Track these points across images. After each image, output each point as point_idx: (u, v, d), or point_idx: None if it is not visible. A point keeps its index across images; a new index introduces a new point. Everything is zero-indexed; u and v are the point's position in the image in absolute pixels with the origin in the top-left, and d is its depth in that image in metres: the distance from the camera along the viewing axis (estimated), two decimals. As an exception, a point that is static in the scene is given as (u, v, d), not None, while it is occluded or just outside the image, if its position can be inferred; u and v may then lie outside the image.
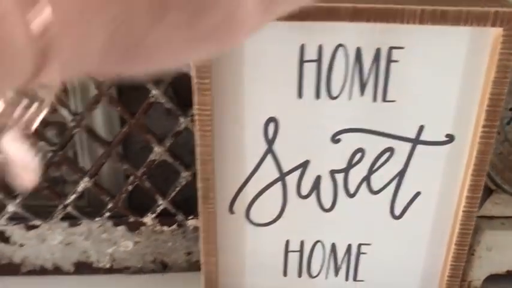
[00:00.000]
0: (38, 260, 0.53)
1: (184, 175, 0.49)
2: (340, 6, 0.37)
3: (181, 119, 0.47)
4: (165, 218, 0.52)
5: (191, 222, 0.52)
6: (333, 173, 0.44)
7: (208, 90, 0.40)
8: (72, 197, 0.49)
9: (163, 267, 0.55)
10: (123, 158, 0.49)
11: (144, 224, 0.52)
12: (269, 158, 0.44)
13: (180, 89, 0.47)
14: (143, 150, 0.52)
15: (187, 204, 0.51)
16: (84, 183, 0.48)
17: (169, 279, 0.55)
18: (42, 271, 0.54)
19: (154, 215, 0.51)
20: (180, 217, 0.52)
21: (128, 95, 0.48)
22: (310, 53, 0.39)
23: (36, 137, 0.46)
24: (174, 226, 0.52)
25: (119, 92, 0.48)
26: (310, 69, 0.40)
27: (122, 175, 0.54)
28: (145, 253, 0.54)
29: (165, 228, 0.52)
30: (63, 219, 0.51)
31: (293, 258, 0.48)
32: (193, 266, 0.55)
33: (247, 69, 0.40)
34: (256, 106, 0.42)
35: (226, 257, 0.48)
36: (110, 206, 0.50)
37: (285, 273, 0.49)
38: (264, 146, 0.43)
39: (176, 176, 0.50)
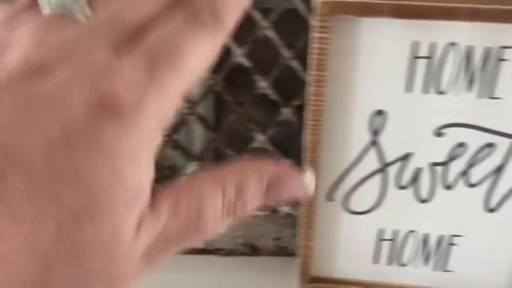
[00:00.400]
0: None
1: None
2: (460, 6, 0.39)
3: (285, 110, 0.50)
4: (260, 203, 0.55)
5: (284, 209, 0.55)
6: (433, 165, 0.46)
7: (324, 82, 0.43)
8: (178, 179, 0.53)
9: (252, 250, 0.58)
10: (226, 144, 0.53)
11: (240, 208, 0.55)
12: (373, 149, 0.46)
13: (283, 81, 0.50)
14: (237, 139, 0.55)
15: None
16: (192, 167, 0.52)
17: (259, 262, 0.58)
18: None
19: (250, 200, 0.54)
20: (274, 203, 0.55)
21: (233, 85, 0.51)
22: (422, 50, 0.42)
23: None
24: (268, 212, 0.55)
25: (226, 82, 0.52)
26: (420, 64, 0.42)
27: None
28: (236, 236, 0.57)
29: (259, 213, 0.55)
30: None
31: (385, 246, 0.51)
32: (281, 251, 0.58)
33: (361, 62, 0.43)
34: (366, 98, 0.44)
35: (321, 243, 0.51)
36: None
37: (375, 261, 0.52)
38: (369, 137, 0.46)
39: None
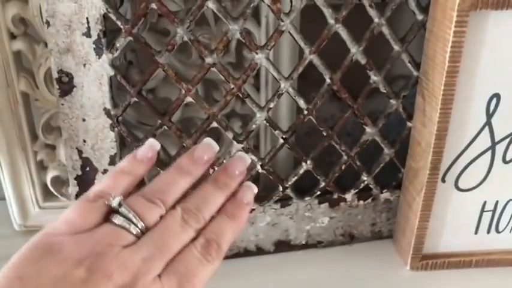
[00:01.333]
0: (242, 242, 0.57)
1: (388, 152, 0.55)
2: None
3: (393, 102, 0.53)
4: (363, 193, 0.57)
5: (384, 196, 0.58)
6: (536, 139, 0.52)
7: (457, 72, 0.46)
8: (293, 179, 0.54)
9: (350, 239, 0.60)
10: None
11: (344, 200, 0.57)
12: (486, 130, 0.51)
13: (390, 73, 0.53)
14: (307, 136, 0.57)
15: (384, 179, 0.57)
16: (306, 167, 0.53)
17: (356, 249, 0.61)
18: (245, 253, 0.58)
19: (355, 191, 0.57)
20: (375, 191, 0.58)
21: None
22: (539, 37, 0.47)
23: (225, 127, 0.50)
24: (369, 200, 0.58)
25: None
26: (536, 50, 0.47)
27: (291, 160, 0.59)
28: (337, 227, 0.59)
29: (361, 202, 0.58)
30: (276, 201, 0.55)
31: (486, 217, 0.56)
32: (376, 235, 0.61)
33: (485, 52, 0.47)
34: (484, 84, 0.48)
35: (433, 222, 0.54)
36: (321, 185, 0.55)
37: (476, 231, 0.57)
38: (483, 119, 0.50)
39: (377, 153, 0.56)
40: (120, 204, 0.32)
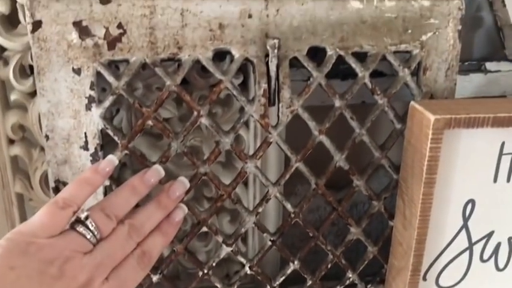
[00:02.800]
0: None
1: (372, 250, 0.58)
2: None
3: (375, 203, 0.56)
4: (348, 288, 0.59)
5: (369, 290, 0.60)
6: (510, 239, 0.54)
7: (434, 183, 0.49)
8: (281, 279, 0.55)
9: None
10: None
11: (330, 296, 0.59)
12: (463, 232, 0.53)
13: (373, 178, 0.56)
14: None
15: (368, 274, 0.59)
16: (293, 267, 0.55)
17: None
18: None
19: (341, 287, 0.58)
20: (359, 287, 0.59)
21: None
22: (508, 148, 0.50)
23: (215, 232, 0.52)
24: (354, 295, 0.60)
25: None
26: (506, 160, 0.51)
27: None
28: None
29: (347, 297, 0.59)
30: None
31: (467, 313, 0.58)
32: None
33: (459, 163, 0.50)
34: (460, 191, 0.52)
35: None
36: (308, 284, 0.57)
37: (458, 327, 0.58)
38: (460, 223, 0.53)
39: (361, 248, 0.58)
40: (86, 218, 0.40)
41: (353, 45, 0.51)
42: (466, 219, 0.53)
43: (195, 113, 0.48)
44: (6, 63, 0.51)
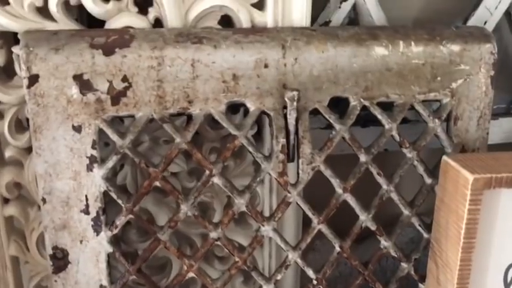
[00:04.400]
0: None
1: None
2: None
3: (404, 265, 0.51)
4: None
5: None
6: (556, 306, 0.49)
7: (473, 248, 0.44)
8: None
9: None
10: None
11: None
12: (504, 298, 0.48)
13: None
14: None
15: None
16: None
17: None
18: None
19: None
20: None
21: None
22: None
23: None
24: None
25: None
26: (550, 221, 0.46)
27: None
28: None
29: None
30: None
31: None
32: None
33: (499, 224, 0.45)
34: (500, 254, 0.46)
35: None
36: None
37: None
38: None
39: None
40: None
41: (378, 95, 0.47)
42: (507, 285, 0.48)
43: (207, 171, 0.44)
44: (1, 116, 0.47)
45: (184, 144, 0.43)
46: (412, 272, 0.51)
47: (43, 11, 0.45)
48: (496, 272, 0.47)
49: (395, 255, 0.50)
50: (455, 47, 0.49)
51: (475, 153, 0.48)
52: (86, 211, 0.43)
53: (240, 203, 0.45)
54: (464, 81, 0.49)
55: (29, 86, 0.41)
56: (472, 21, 0.57)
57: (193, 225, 0.53)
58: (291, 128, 0.45)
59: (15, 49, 0.45)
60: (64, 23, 0.45)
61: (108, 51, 0.41)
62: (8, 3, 0.43)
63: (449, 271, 0.46)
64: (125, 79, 0.42)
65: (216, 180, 0.44)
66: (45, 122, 0.41)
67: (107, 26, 0.45)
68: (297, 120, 0.45)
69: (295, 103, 0.44)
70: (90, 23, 0.47)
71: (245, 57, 0.44)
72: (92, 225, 0.44)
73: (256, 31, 0.45)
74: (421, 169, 0.49)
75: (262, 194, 0.53)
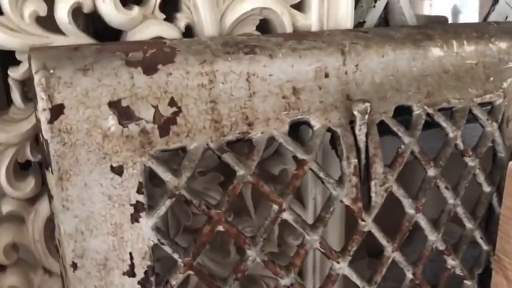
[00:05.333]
0: None
1: (466, 338, 0.48)
2: None
3: (468, 282, 0.47)
4: None
5: None
6: None
7: (558, 257, 0.41)
8: None
9: None
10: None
11: None
12: None
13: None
14: None
15: None
16: None
17: None
18: None
19: None
20: None
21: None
22: None
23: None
24: None
25: None
26: None
27: None
28: None
29: None
30: None
31: None
32: None
33: None
34: None
35: None
36: None
37: None
38: None
39: None
40: None
41: (440, 101, 0.43)
42: None
43: (275, 207, 0.36)
44: (-8, 161, 0.36)
45: (250, 176, 0.35)
46: (476, 289, 0.47)
47: (44, 22, 0.35)
48: None
49: (461, 274, 0.46)
50: (503, 44, 0.46)
51: (542, 156, 0.46)
52: (131, 273, 0.34)
53: (314, 240, 0.38)
54: (513, 80, 0.46)
55: (51, 121, 0.31)
56: (493, 17, 0.55)
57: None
58: (361, 145, 0.39)
59: (14, 72, 0.35)
60: (75, 35, 0.35)
61: (149, 69, 0.33)
62: (2, 13, 0.33)
63: (529, 285, 0.43)
64: (172, 102, 0.33)
65: (286, 215, 0.37)
66: (73, 166, 0.32)
67: (130, 37, 0.37)
68: (366, 135, 0.39)
69: (366, 116, 0.38)
70: (96, 37, 0.37)
71: (304, 67, 0.37)
72: (139, 290, 0.34)
73: (309, 36, 0.39)
74: (481, 177, 0.45)
75: (306, 217, 0.46)
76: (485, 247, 0.47)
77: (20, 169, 0.38)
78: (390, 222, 0.43)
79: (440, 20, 0.59)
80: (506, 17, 0.55)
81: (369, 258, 0.56)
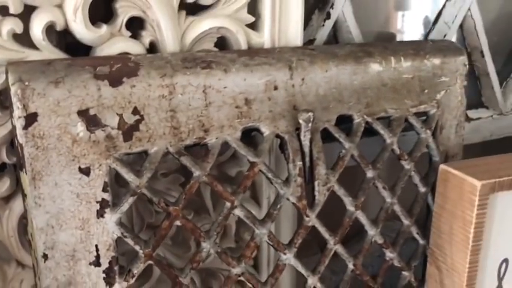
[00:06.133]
0: None
1: (404, 324, 0.53)
2: None
3: (406, 273, 0.52)
4: None
5: None
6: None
7: (479, 250, 0.47)
8: None
9: None
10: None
11: None
12: (498, 292, 0.52)
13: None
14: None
15: None
16: None
17: None
18: None
19: None
20: None
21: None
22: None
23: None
24: None
25: None
26: (534, 216, 0.50)
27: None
28: None
29: None
30: None
31: None
32: None
33: (496, 224, 0.48)
34: (495, 251, 0.50)
35: None
36: None
37: None
38: (495, 283, 0.51)
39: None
40: None
41: (378, 111, 0.48)
42: (500, 278, 0.51)
43: (228, 204, 0.41)
44: (-31, 163, 0.40)
45: (205, 177, 0.40)
46: (413, 279, 0.53)
47: (20, 39, 0.39)
48: (491, 268, 0.50)
49: (399, 265, 0.51)
50: (437, 60, 0.51)
51: (469, 160, 0.51)
52: (97, 263, 0.38)
53: (262, 233, 0.42)
54: (445, 92, 0.52)
55: (25, 127, 0.35)
56: (433, 35, 0.61)
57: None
58: (306, 149, 0.44)
59: (-10, 83, 0.38)
60: (49, 51, 0.39)
61: (115, 82, 0.37)
62: (-19, 30, 0.37)
63: (456, 274, 0.48)
64: (135, 111, 0.38)
65: (238, 212, 0.41)
66: (45, 167, 0.36)
67: (98, 53, 0.41)
68: (310, 141, 0.44)
69: (310, 124, 0.43)
70: (68, 51, 0.41)
71: (255, 80, 0.42)
72: (104, 278, 0.38)
73: (261, 52, 0.44)
74: (417, 179, 0.51)
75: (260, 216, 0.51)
76: (421, 241, 0.52)
77: (-5, 170, 0.41)
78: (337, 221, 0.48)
79: (388, 37, 0.65)
80: (445, 35, 0.61)
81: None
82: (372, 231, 0.48)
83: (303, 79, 0.44)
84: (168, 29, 0.42)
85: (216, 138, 0.41)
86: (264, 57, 0.43)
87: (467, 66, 0.53)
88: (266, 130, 0.43)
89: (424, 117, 0.52)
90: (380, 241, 0.49)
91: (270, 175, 0.42)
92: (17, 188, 0.42)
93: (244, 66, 0.42)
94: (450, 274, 0.49)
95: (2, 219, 0.42)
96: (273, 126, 0.43)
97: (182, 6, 0.43)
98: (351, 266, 0.48)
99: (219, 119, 0.41)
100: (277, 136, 0.43)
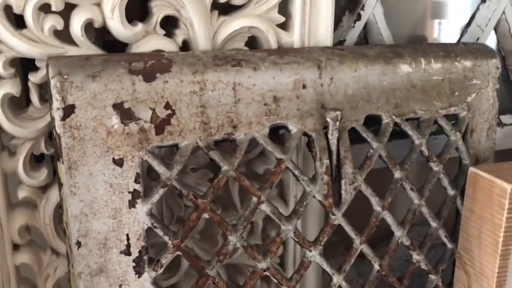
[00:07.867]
0: None
1: (431, 328, 0.53)
2: None
3: (433, 277, 0.52)
4: None
5: None
6: None
7: (509, 254, 0.46)
8: None
9: None
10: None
11: None
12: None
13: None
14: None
15: None
16: None
17: None
18: None
19: None
20: None
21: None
22: None
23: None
24: None
25: None
26: None
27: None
28: None
29: None
30: None
31: None
32: None
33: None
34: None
35: None
36: None
37: None
38: (526, 291, 0.50)
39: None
40: None
41: (407, 111, 0.48)
42: (531, 286, 0.50)
43: (255, 199, 0.42)
44: (11, 153, 0.42)
45: (232, 171, 0.41)
46: (440, 283, 0.52)
47: (61, 35, 0.41)
48: (521, 275, 0.49)
49: (426, 268, 0.51)
50: (468, 63, 0.51)
51: (499, 163, 0.51)
52: (127, 252, 0.39)
53: (288, 229, 0.43)
54: (476, 95, 0.52)
55: (63, 118, 0.36)
56: (465, 38, 0.60)
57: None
58: (333, 148, 0.44)
59: (33, 77, 0.40)
60: (87, 47, 0.41)
61: (148, 77, 0.38)
62: (25, 27, 0.39)
63: (485, 279, 0.48)
64: (167, 106, 0.39)
65: (264, 207, 0.42)
66: (81, 157, 0.37)
67: (134, 50, 0.42)
68: (337, 140, 0.44)
69: (337, 123, 0.43)
70: (105, 48, 0.43)
71: (284, 79, 0.43)
72: (134, 267, 0.40)
73: (290, 52, 0.45)
74: (445, 181, 0.50)
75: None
76: (449, 245, 0.52)
77: (35, 161, 0.43)
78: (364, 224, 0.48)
79: (419, 39, 0.65)
80: (478, 38, 0.61)
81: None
82: (398, 232, 0.48)
83: (331, 78, 0.45)
84: (200, 28, 0.43)
85: (244, 134, 0.42)
86: (293, 56, 0.44)
87: (500, 69, 0.53)
88: (294, 128, 0.43)
89: (455, 120, 0.52)
90: (407, 243, 0.49)
91: (296, 172, 0.43)
92: (54, 178, 0.44)
93: (273, 65, 0.43)
94: (478, 279, 0.48)
95: (39, 208, 0.44)
96: (301, 124, 0.43)
97: (214, 6, 0.44)
98: (376, 266, 0.48)
99: (248, 116, 0.42)
100: (305, 134, 0.44)
